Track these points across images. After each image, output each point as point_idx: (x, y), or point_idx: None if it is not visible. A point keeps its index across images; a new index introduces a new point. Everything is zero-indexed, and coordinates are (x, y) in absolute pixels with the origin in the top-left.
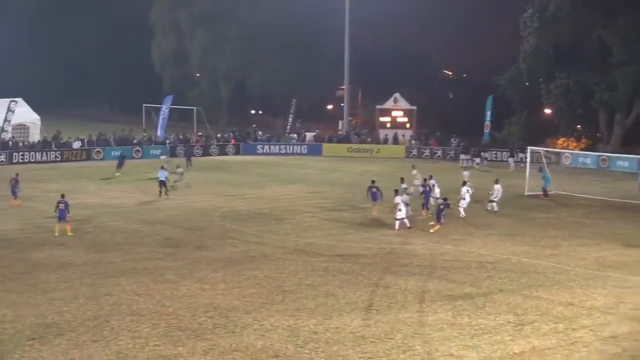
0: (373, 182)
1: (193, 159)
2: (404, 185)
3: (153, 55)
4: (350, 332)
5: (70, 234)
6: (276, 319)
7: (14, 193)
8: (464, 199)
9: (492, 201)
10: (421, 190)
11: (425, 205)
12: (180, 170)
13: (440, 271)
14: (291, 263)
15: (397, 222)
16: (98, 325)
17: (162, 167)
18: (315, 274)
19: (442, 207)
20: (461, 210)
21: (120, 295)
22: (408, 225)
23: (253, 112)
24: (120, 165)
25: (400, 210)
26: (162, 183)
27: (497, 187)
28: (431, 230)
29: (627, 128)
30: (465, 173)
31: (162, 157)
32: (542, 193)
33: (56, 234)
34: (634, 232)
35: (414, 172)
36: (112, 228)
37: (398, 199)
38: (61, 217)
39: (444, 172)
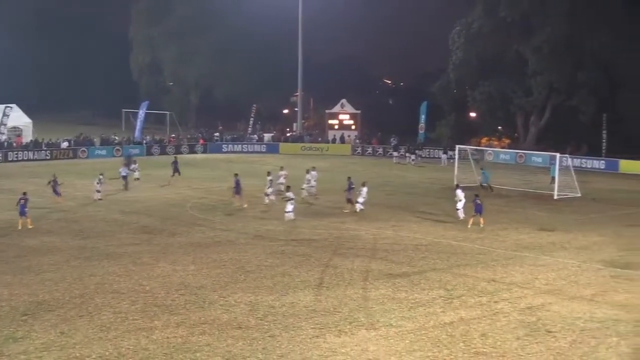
0: (236, 175)
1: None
2: (269, 178)
3: (131, 65)
4: (304, 306)
5: (31, 226)
6: (239, 295)
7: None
8: (461, 200)
9: (357, 202)
10: (348, 187)
11: (349, 199)
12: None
13: (381, 253)
14: (252, 247)
15: (287, 215)
16: (84, 302)
17: (125, 165)
18: (273, 256)
19: (478, 201)
20: (459, 213)
21: (103, 276)
22: (292, 217)
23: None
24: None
25: (291, 204)
26: (124, 177)
27: (364, 189)
28: (482, 225)
29: (540, 128)
30: (459, 192)
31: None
32: (485, 187)
33: (19, 227)
34: (546, 218)
35: (283, 172)
36: (96, 217)
37: (290, 194)
38: (21, 212)
39: (382, 167)
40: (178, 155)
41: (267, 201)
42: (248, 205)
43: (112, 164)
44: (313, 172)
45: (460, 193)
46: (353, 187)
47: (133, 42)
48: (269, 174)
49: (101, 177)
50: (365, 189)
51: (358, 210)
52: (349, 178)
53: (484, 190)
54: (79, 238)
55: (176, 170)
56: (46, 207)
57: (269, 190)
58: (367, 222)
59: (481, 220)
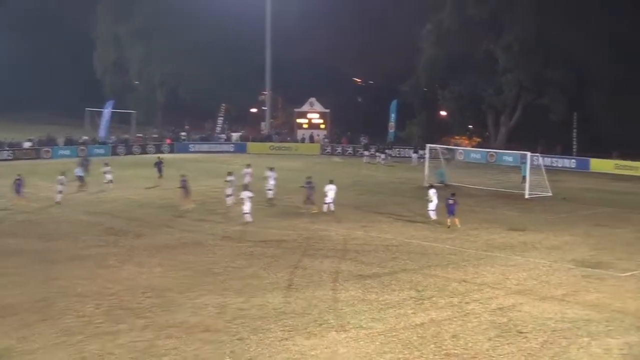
0: (183, 176)
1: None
2: (230, 178)
3: (95, 64)
4: (273, 308)
5: None
6: (207, 297)
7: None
8: (432, 201)
9: (325, 202)
10: (306, 185)
11: (309, 199)
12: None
13: (351, 254)
14: (220, 248)
15: (246, 216)
16: (47, 306)
17: (81, 165)
18: (241, 258)
19: (450, 202)
20: (431, 213)
21: (67, 279)
22: (249, 220)
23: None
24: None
25: (244, 204)
26: (80, 178)
27: (331, 186)
28: (458, 226)
29: (511, 127)
30: (431, 192)
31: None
32: (448, 185)
33: None
34: (517, 217)
35: (248, 170)
36: (60, 219)
37: (244, 194)
38: None
39: (352, 167)
40: (161, 155)
41: (228, 202)
42: (196, 206)
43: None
44: (271, 173)
45: (432, 193)
46: (310, 185)
47: (98, 40)
48: (229, 174)
49: (62, 177)
50: (330, 187)
51: (325, 209)
52: (308, 177)
53: (449, 188)
54: (42, 240)
55: (160, 171)
56: (8, 208)
57: (230, 191)
58: (337, 222)
59: (456, 221)
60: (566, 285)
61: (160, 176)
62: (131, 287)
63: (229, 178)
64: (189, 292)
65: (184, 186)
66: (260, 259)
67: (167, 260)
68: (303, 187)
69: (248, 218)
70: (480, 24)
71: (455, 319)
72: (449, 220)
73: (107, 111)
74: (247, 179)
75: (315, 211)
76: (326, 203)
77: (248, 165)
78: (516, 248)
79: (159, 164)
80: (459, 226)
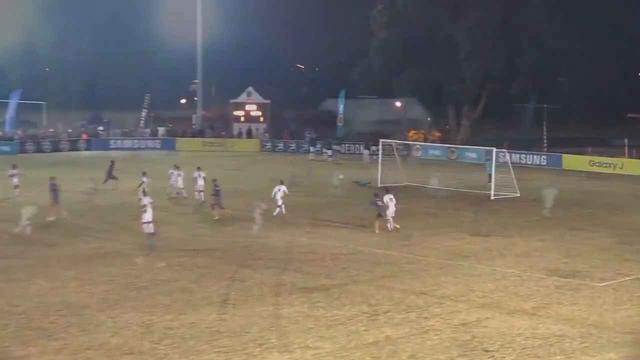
0: (52, 178)
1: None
2: (144, 179)
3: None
4: (206, 327)
5: None
6: (130, 315)
7: None
8: (388, 207)
9: (279, 205)
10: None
11: (216, 204)
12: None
13: (296, 264)
14: (144, 259)
15: (144, 226)
16: None
17: None
18: (170, 269)
19: (379, 203)
20: (388, 224)
21: None
22: (151, 230)
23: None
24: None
25: (145, 212)
26: None
27: (280, 187)
28: (377, 231)
29: (474, 120)
30: (386, 197)
31: None
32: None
33: None
34: (482, 221)
35: (177, 171)
36: None
37: (145, 200)
38: None
39: (296, 165)
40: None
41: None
42: (67, 214)
43: None
44: (196, 172)
45: (389, 199)
46: (217, 189)
47: (4, 21)
48: (144, 174)
49: None
50: (279, 187)
51: (280, 213)
52: (214, 180)
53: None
54: None
55: (110, 175)
56: None
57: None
58: (279, 228)
59: (380, 225)
60: (537, 297)
61: (106, 180)
62: (43, 304)
63: (143, 179)
64: (110, 310)
65: (53, 190)
66: (192, 270)
67: (84, 273)
68: (213, 194)
69: (148, 229)
70: (439, 4)
71: (413, 337)
72: (377, 224)
73: (12, 102)
74: (172, 181)
75: (216, 218)
76: (279, 206)
77: (177, 167)
78: (481, 256)
79: (110, 167)
80: (377, 231)
